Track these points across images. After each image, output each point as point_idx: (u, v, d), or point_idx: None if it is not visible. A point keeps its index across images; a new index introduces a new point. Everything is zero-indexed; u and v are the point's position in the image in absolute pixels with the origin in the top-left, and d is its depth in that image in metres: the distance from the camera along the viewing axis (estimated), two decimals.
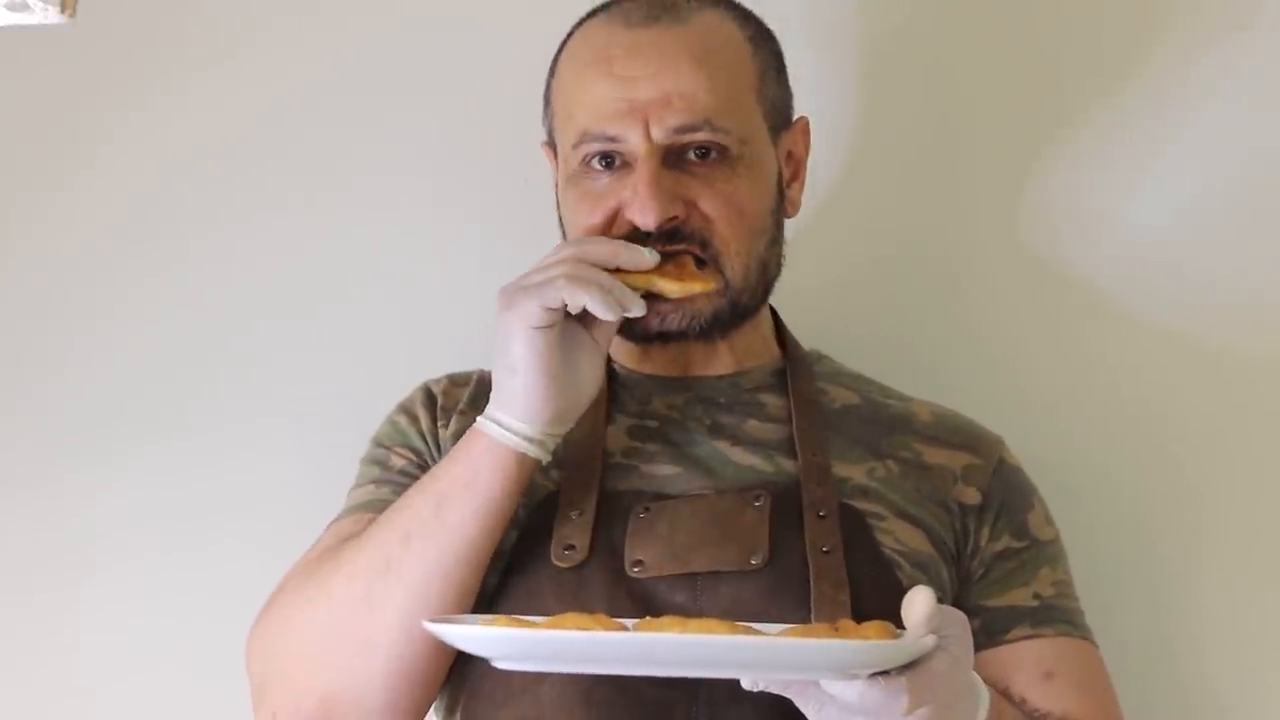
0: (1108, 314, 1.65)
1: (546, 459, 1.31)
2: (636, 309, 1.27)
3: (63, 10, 1.29)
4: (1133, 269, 1.65)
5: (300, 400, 1.69)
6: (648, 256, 1.29)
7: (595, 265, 1.28)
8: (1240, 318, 1.64)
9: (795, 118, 1.47)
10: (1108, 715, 1.39)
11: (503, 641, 1.13)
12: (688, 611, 1.28)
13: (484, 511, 1.29)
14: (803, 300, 1.52)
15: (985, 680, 1.30)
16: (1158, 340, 1.65)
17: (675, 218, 1.35)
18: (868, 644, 1.10)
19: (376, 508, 1.37)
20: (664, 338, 1.39)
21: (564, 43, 1.44)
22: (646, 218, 1.34)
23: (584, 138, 1.38)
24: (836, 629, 1.14)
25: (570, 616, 1.14)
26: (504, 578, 1.33)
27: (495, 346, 1.29)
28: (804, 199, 1.49)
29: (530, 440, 1.29)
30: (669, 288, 1.30)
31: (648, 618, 1.17)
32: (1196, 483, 1.63)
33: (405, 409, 1.46)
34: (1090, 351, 1.65)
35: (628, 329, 1.37)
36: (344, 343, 1.69)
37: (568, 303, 1.25)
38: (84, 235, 1.71)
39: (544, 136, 1.49)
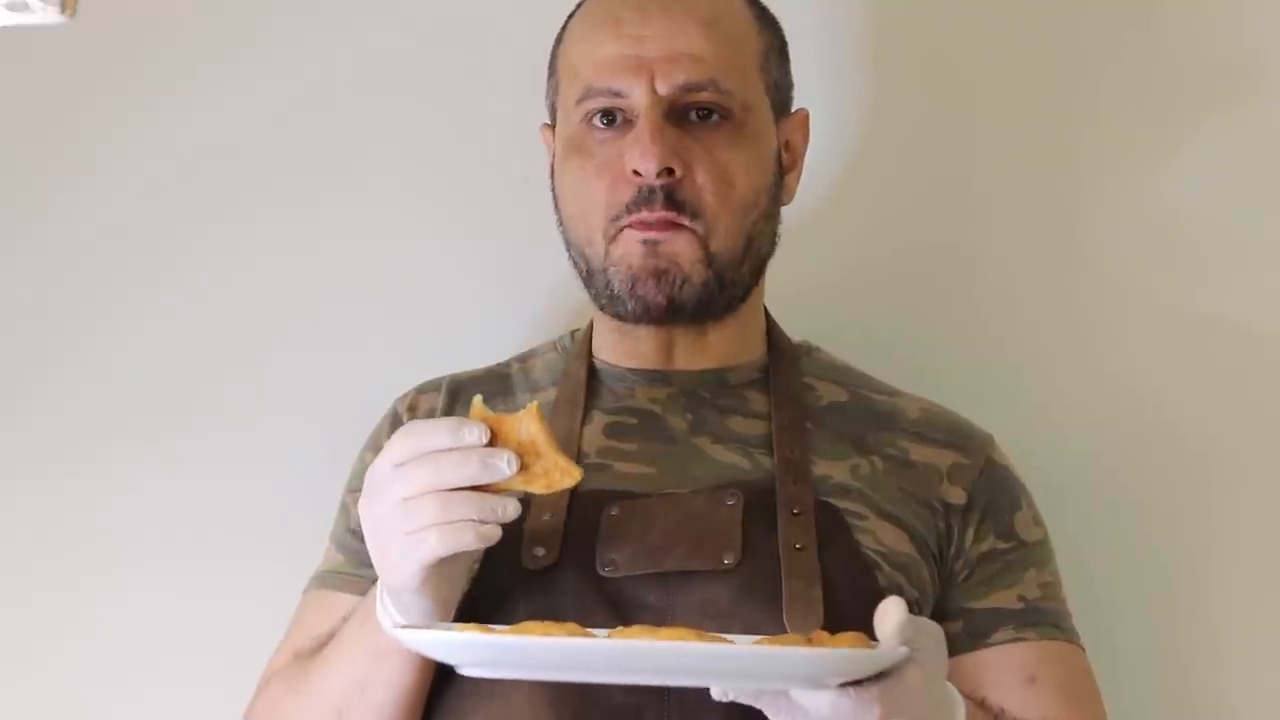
0: (1112, 313, 1.64)
1: None
2: (513, 513, 1.18)
3: (63, 10, 1.29)
4: (1137, 267, 1.64)
5: (301, 400, 1.68)
6: (505, 467, 1.16)
7: (459, 493, 1.17)
8: (1243, 317, 1.63)
9: (795, 109, 1.48)
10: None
11: (470, 647, 1.13)
12: (660, 611, 1.29)
13: (402, 687, 1.28)
14: (802, 298, 1.52)
15: (967, 684, 1.31)
16: (1159, 339, 1.64)
17: (673, 172, 1.36)
18: (836, 652, 1.09)
19: (335, 583, 1.42)
20: (651, 315, 1.38)
21: (571, 14, 1.46)
22: (648, 162, 1.35)
23: (588, 93, 1.39)
24: (810, 640, 1.12)
25: (538, 625, 1.13)
26: (475, 584, 1.32)
27: (375, 562, 1.23)
28: (805, 196, 1.48)
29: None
30: (537, 488, 1.19)
31: (619, 628, 1.16)
32: (1198, 482, 1.61)
33: (372, 444, 1.47)
34: (1093, 350, 1.64)
35: (616, 307, 1.39)
36: (345, 343, 1.69)
37: (443, 555, 1.18)
38: (84, 235, 1.71)
39: (544, 120, 1.49)
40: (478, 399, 1.21)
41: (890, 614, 1.11)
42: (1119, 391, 1.63)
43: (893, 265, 1.67)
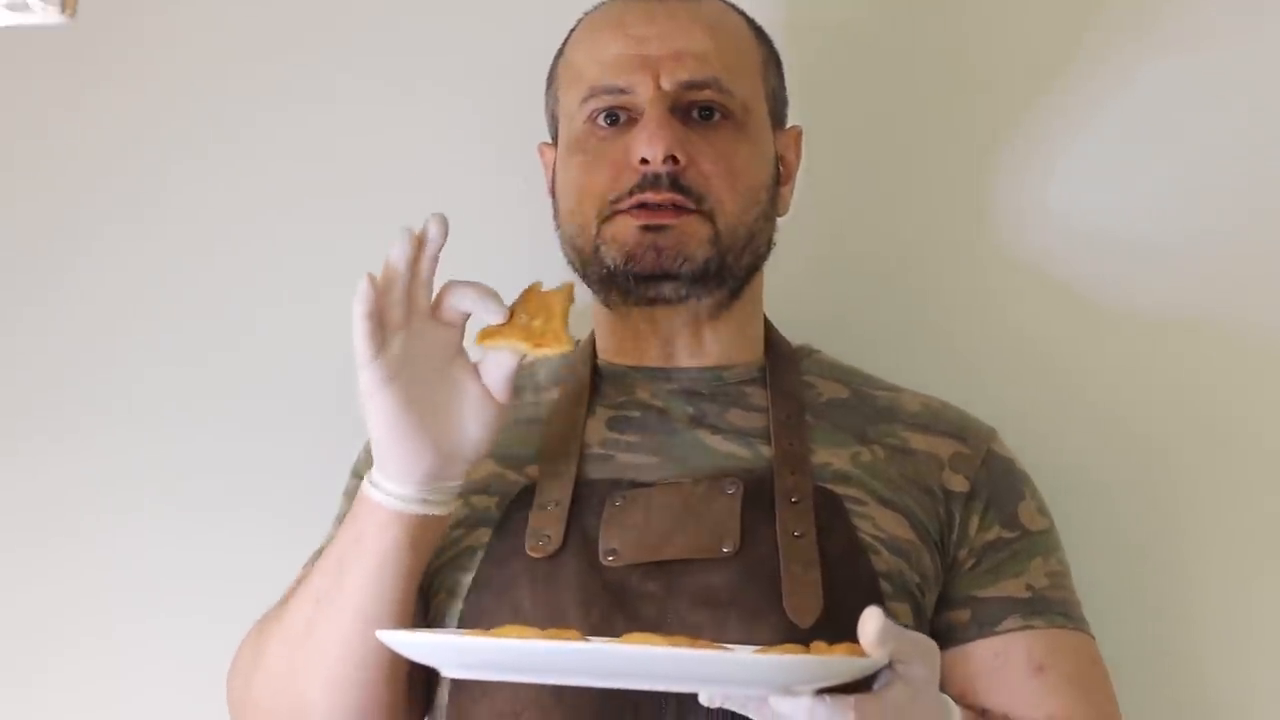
0: (1087, 310, 1.64)
1: (441, 512, 1.29)
2: (437, 228, 1.24)
3: (63, 10, 1.29)
4: (1114, 263, 1.64)
5: (300, 399, 1.69)
6: (405, 244, 1.25)
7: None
8: (1225, 311, 1.63)
9: (789, 126, 1.51)
10: (1098, 710, 1.38)
11: (448, 649, 1.17)
12: (660, 599, 1.30)
13: (376, 572, 1.27)
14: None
15: (977, 673, 1.34)
16: (1142, 335, 1.64)
17: (678, 160, 1.37)
18: (805, 659, 1.11)
19: None
20: (654, 282, 1.39)
21: (573, 28, 1.48)
22: (654, 148, 1.37)
23: (593, 92, 1.41)
24: (806, 650, 1.14)
25: (515, 628, 1.15)
26: (480, 571, 1.33)
27: None
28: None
29: (407, 499, 1.27)
30: (528, 344, 1.24)
31: (622, 636, 1.17)
32: (1184, 479, 1.62)
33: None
34: (1071, 348, 1.64)
35: (613, 285, 1.39)
36: (344, 341, 1.69)
37: (363, 312, 1.23)
38: (85, 232, 1.72)
39: (542, 136, 1.50)
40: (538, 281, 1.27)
41: (869, 623, 1.12)
42: (1106, 391, 1.63)
43: (857, 274, 1.67)
